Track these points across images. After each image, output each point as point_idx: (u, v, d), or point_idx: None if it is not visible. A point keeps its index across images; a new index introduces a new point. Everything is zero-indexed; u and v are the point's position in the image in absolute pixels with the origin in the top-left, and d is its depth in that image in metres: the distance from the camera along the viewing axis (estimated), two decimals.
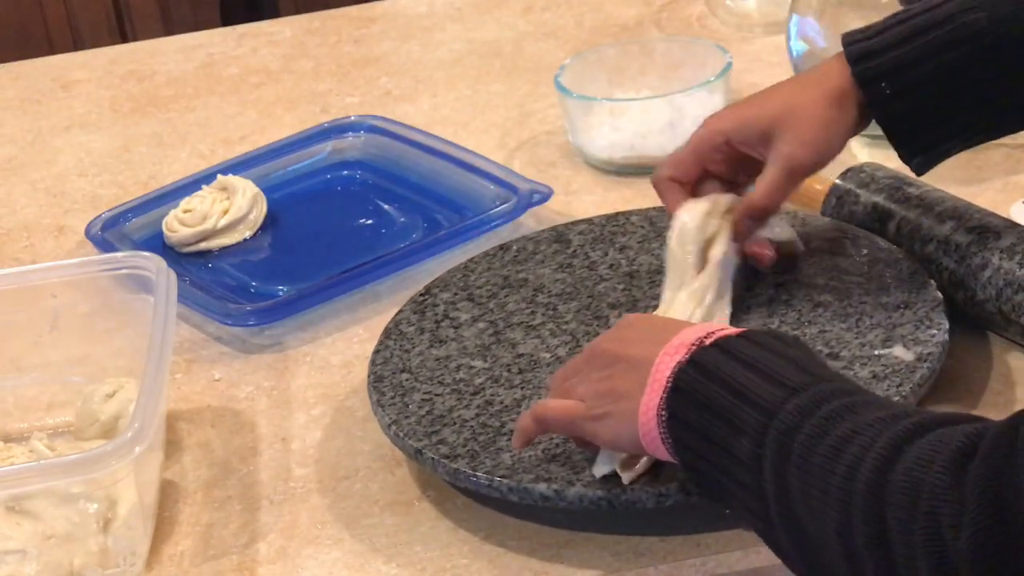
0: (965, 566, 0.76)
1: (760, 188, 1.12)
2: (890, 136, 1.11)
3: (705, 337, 0.93)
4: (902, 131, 1.11)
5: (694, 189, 1.15)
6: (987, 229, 1.15)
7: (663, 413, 0.93)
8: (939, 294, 1.12)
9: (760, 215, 1.13)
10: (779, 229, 1.17)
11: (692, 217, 1.12)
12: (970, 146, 1.13)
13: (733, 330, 0.94)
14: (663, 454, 0.94)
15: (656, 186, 1.16)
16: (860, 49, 1.09)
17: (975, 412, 1.08)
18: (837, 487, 0.82)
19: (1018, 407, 1.08)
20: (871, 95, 1.09)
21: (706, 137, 1.14)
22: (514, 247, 1.26)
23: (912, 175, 1.24)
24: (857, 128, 1.11)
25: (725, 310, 1.12)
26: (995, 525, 0.75)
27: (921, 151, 1.12)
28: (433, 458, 1.05)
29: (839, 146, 1.11)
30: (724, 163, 1.14)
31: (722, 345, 0.92)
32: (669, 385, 0.92)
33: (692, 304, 1.11)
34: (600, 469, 1.00)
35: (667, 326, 0.98)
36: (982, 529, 0.76)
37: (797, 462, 0.84)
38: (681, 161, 1.15)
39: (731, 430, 0.88)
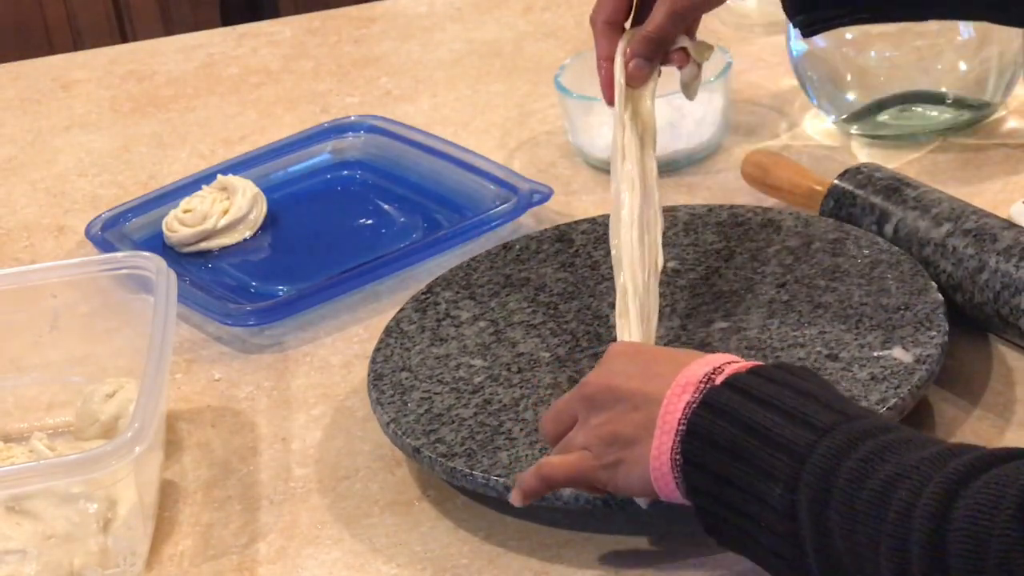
0: None
1: (648, 24, 1.12)
2: None
3: (713, 373, 0.90)
4: None
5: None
6: (984, 231, 1.15)
7: (677, 458, 0.89)
8: (939, 296, 1.12)
9: (649, 49, 1.12)
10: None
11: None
12: (857, 22, 1.12)
13: (742, 364, 0.91)
14: (676, 498, 0.91)
15: (593, 27, 1.16)
16: None
17: (975, 412, 1.08)
18: (889, 535, 0.79)
19: (1018, 407, 1.08)
20: None
21: None
22: (517, 246, 1.26)
23: (910, 176, 1.25)
24: None
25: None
26: None
27: (805, 9, 1.11)
28: (431, 456, 1.05)
29: None
30: None
31: (734, 383, 0.89)
32: (682, 428, 0.89)
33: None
34: (643, 500, 0.98)
35: (660, 357, 0.95)
36: None
37: (839, 508, 0.81)
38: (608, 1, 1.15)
39: (758, 475, 0.85)
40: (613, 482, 0.94)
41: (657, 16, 1.12)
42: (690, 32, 1.14)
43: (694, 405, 0.89)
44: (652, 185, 1.12)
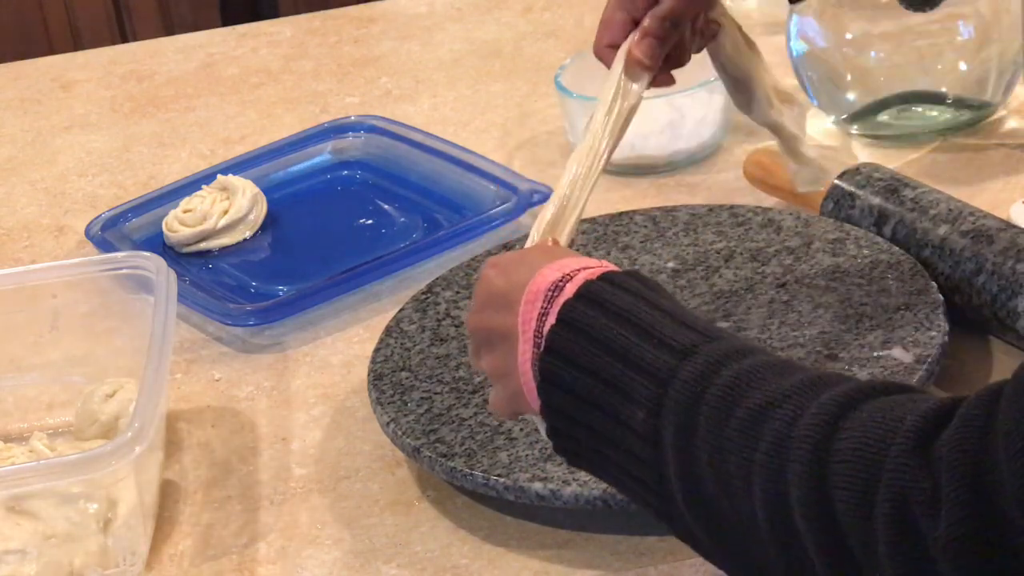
0: (944, 555, 0.71)
1: (663, 3, 1.05)
2: None
3: (561, 281, 0.88)
4: None
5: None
6: (981, 233, 1.14)
7: (536, 373, 0.87)
8: (939, 296, 1.12)
9: (662, 28, 1.05)
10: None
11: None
12: None
13: (593, 270, 0.88)
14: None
15: (597, 55, 1.09)
16: None
17: None
18: (762, 465, 0.77)
19: None
20: None
21: None
22: (517, 246, 1.26)
23: (910, 176, 1.24)
24: None
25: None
26: (975, 512, 0.70)
27: None
28: (430, 456, 1.05)
29: None
30: (647, 7, 1.06)
31: (587, 294, 0.86)
32: (539, 342, 0.87)
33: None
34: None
35: (517, 281, 0.91)
36: (962, 516, 0.70)
37: (706, 437, 0.79)
38: (611, 22, 1.08)
39: (620, 398, 0.83)
40: (520, 411, 0.92)
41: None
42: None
43: (547, 317, 0.87)
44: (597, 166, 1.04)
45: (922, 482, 0.72)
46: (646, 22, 1.06)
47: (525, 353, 0.88)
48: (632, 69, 1.06)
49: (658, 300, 0.86)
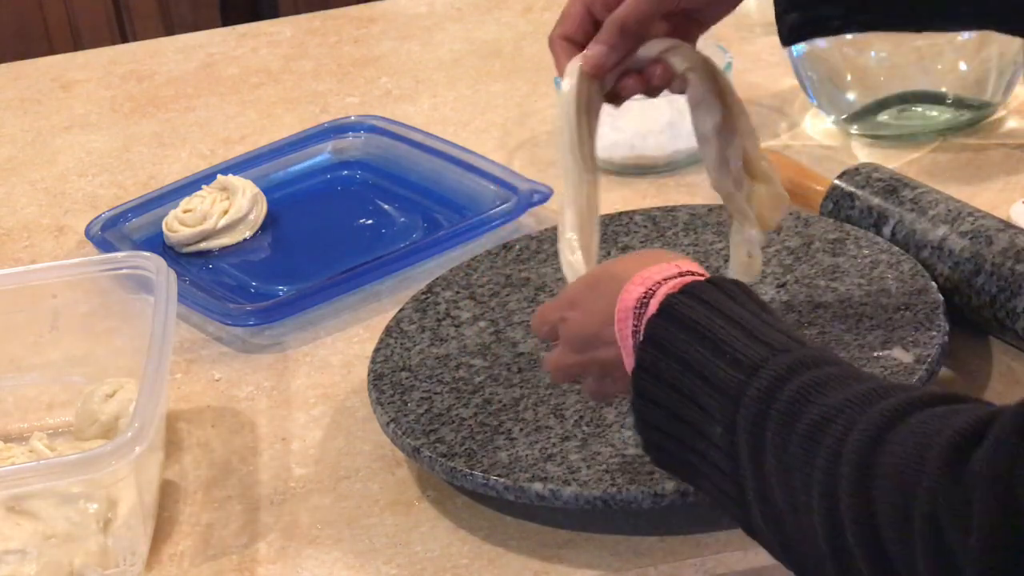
0: (974, 568, 0.71)
1: (622, 6, 1.02)
2: None
3: (644, 296, 0.90)
4: None
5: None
6: (980, 233, 1.14)
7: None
8: (939, 296, 1.12)
9: (613, 36, 1.02)
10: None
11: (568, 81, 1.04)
12: (852, 30, 1.04)
13: (675, 282, 0.90)
14: None
15: (550, 46, 1.06)
16: None
17: None
18: (819, 483, 0.78)
19: None
20: None
21: None
22: (517, 246, 1.26)
23: (910, 176, 1.25)
24: None
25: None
26: (1006, 528, 0.70)
27: (797, 7, 1.02)
28: (430, 456, 1.05)
29: None
30: (610, 9, 1.03)
31: (668, 310, 0.89)
32: (635, 358, 0.90)
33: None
34: None
35: (602, 313, 0.94)
36: (992, 532, 0.71)
37: (774, 454, 0.81)
38: (568, 15, 1.05)
39: (701, 414, 0.86)
40: (618, 392, 0.98)
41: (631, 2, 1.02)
42: (689, 39, 1.06)
43: (639, 335, 0.90)
44: (595, 219, 1.05)
45: (954, 498, 0.72)
46: (602, 31, 1.03)
47: (629, 362, 0.92)
48: (583, 73, 1.03)
49: (733, 310, 0.88)
